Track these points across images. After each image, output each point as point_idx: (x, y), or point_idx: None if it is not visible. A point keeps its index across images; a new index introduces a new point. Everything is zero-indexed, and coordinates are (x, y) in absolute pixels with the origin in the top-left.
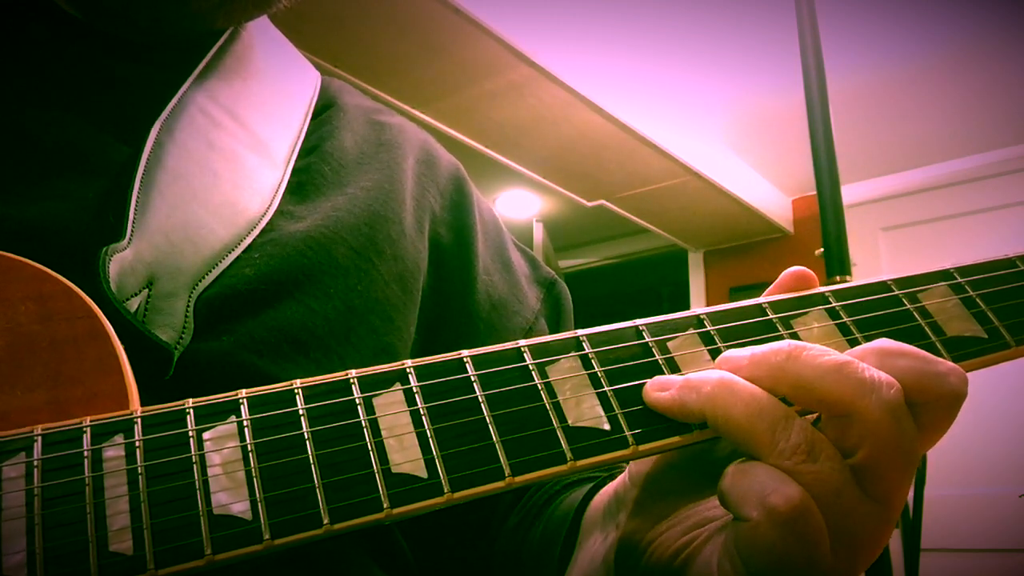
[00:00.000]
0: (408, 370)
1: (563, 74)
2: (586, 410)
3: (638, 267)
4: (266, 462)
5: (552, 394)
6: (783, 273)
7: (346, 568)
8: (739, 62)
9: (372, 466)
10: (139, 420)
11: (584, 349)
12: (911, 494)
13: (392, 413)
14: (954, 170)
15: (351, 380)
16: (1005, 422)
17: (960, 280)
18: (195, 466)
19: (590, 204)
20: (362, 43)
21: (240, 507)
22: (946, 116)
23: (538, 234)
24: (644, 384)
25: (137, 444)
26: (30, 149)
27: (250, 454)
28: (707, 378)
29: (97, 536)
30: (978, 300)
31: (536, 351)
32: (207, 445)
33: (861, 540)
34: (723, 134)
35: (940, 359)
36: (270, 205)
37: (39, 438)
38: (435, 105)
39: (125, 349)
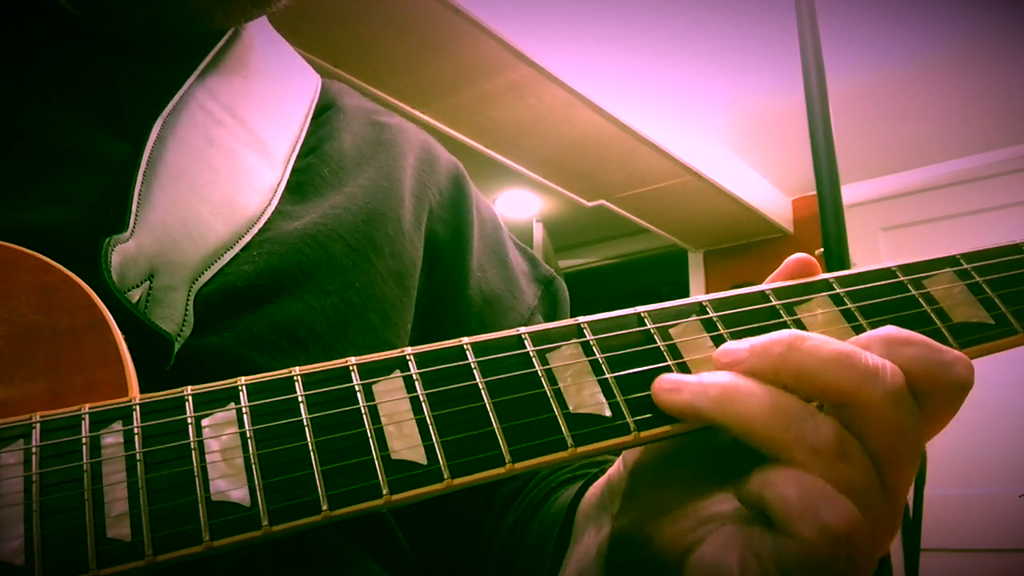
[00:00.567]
0: (408, 357)
1: (563, 74)
2: (587, 397)
3: (638, 267)
4: (265, 449)
5: (553, 381)
6: (786, 260)
7: (345, 564)
8: (739, 62)
9: (371, 452)
10: (137, 407)
11: (585, 336)
12: (911, 493)
13: (392, 400)
14: (954, 170)
15: (350, 367)
16: (1005, 422)
17: (966, 266)
18: (193, 453)
19: (590, 204)
20: (362, 43)
21: (239, 494)
22: (946, 116)
23: (538, 234)
24: (646, 371)
25: (136, 431)
26: (30, 148)
27: (249, 441)
28: (715, 381)
29: (95, 522)
30: (984, 286)
31: (537, 338)
32: (206, 432)
33: (879, 536)
34: (723, 134)
35: (946, 348)
36: (269, 204)
37: (37, 425)
38: (435, 105)
39: (126, 340)
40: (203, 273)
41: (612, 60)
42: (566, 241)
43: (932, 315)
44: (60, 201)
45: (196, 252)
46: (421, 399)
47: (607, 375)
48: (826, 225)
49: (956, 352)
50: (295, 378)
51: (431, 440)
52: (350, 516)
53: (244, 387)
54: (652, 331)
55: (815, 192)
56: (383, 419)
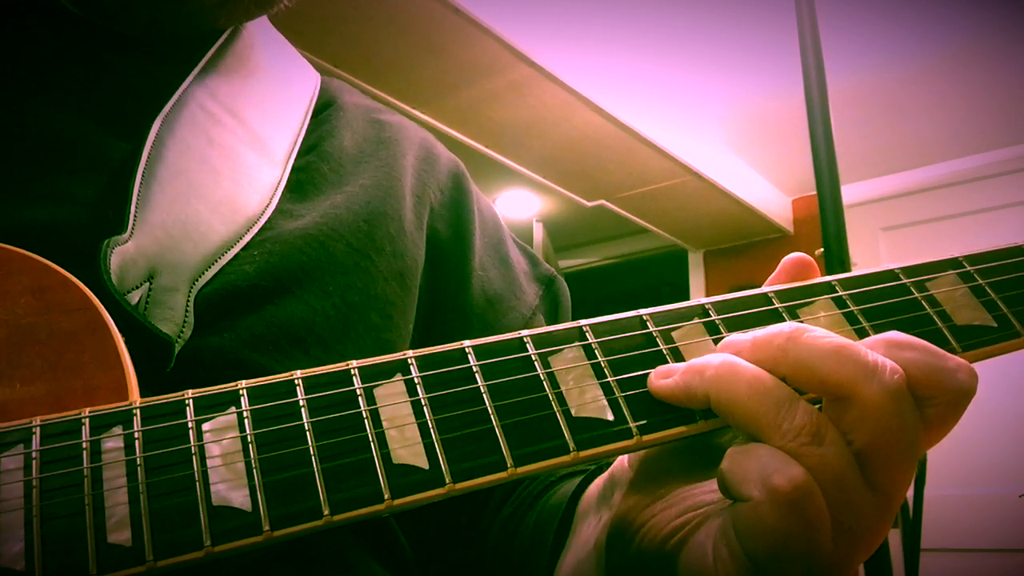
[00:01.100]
0: (409, 360)
1: (563, 74)
2: (589, 400)
3: (638, 267)
4: (266, 453)
5: (555, 384)
6: (783, 260)
7: (345, 564)
8: (739, 62)
9: (373, 457)
10: (138, 411)
11: (587, 339)
12: (911, 493)
13: (393, 403)
14: (954, 170)
15: (352, 371)
16: (1005, 422)
17: (969, 268)
18: (194, 457)
19: (590, 204)
20: (362, 43)
21: (240, 498)
22: (946, 116)
23: (538, 234)
24: (648, 374)
25: (136, 435)
26: (29, 146)
27: (250, 445)
28: (710, 361)
29: (95, 527)
30: (987, 288)
31: (539, 341)
32: (206, 436)
33: (861, 530)
34: (723, 134)
35: (950, 354)
36: (269, 203)
37: (37, 430)
38: (435, 105)
39: (125, 342)
40: (203, 273)
41: (612, 60)
42: (566, 241)
43: (935, 317)
44: (59, 200)
45: (196, 252)
46: (423, 403)
47: (609, 378)
48: (826, 225)
49: (959, 359)
50: (296, 382)
51: (433, 444)
52: (352, 521)
53: (245, 391)
54: (654, 334)
55: (815, 192)
56: (384, 423)
